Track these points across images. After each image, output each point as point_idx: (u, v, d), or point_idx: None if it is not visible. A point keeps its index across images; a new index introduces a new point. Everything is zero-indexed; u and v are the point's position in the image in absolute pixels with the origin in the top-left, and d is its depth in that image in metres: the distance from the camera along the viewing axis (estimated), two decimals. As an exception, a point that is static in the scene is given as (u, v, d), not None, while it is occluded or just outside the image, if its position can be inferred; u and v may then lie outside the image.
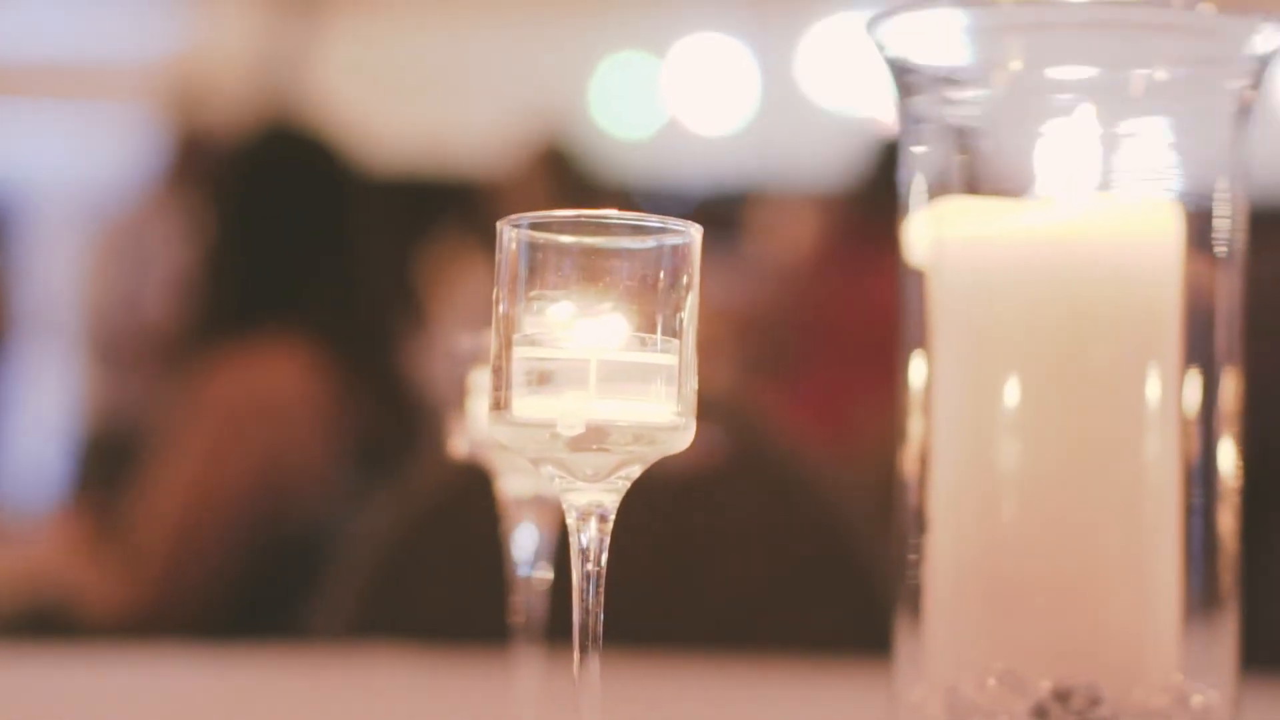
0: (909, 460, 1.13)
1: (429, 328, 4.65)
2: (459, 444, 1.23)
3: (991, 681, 1.05)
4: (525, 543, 1.22)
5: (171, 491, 2.59)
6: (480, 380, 1.21)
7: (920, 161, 1.14)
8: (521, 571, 1.22)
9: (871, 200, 4.95)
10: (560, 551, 1.21)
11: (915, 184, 1.14)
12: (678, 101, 8.40)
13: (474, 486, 1.88)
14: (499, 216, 0.92)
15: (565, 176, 5.57)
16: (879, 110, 5.37)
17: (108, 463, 4.70)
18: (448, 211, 5.83)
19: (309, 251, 2.74)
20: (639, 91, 8.39)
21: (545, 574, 1.22)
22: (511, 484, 1.22)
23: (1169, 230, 1.09)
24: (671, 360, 0.90)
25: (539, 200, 5.42)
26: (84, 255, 6.08)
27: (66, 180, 7.84)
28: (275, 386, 2.63)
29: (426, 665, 1.73)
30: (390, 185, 5.08)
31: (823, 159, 6.23)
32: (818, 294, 4.85)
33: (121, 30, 8.04)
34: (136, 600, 2.55)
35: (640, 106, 8.39)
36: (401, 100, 7.84)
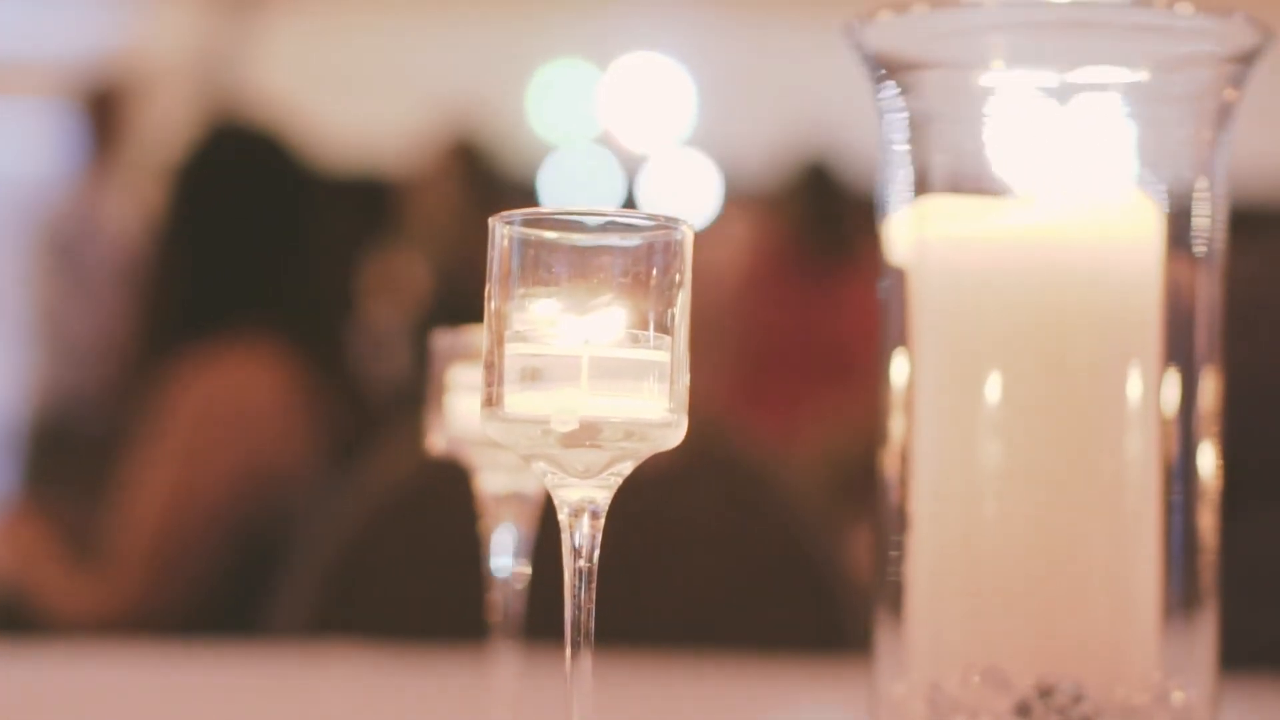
0: (890, 458, 1.13)
1: (367, 321, 4.65)
2: (436, 440, 1.23)
3: (975, 679, 1.05)
4: (503, 540, 1.22)
5: (150, 497, 2.58)
6: (458, 376, 1.21)
7: (901, 160, 1.14)
8: (499, 569, 1.22)
9: (812, 211, 4.99)
10: (538, 549, 1.21)
11: (896, 183, 1.14)
12: (613, 112, 8.43)
13: (438, 481, 1.88)
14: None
15: (475, 174, 5.56)
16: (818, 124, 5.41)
17: (56, 456, 4.68)
18: (384, 207, 5.84)
19: (264, 250, 2.73)
20: (576, 100, 8.41)
21: (523, 571, 1.22)
22: (489, 480, 1.22)
23: (1149, 230, 1.10)
24: (664, 357, 0.90)
25: (450, 198, 5.42)
26: (19, 249, 6.05)
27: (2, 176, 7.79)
28: (247, 388, 2.62)
29: (402, 663, 1.72)
30: (333, 182, 5.08)
31: (761, 170, 6.24)
32: (764, 300, 4.87)
33: (56, 26, 7.99)
34: (114, 606, 2.53)
35: (576, 114, 8.41)
36: (341, 97, 7.82)
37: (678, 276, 0.91)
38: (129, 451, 2.67)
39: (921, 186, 1.13)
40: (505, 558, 1.22)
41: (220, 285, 2.71)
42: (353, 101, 7.97)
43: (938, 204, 1.12)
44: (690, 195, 8.10)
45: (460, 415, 1.20)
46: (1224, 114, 1.11)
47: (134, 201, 5.49)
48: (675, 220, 0.91)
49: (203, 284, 2.72)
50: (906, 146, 1.14)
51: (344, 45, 8.22)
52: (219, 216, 2.74)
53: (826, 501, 2.48)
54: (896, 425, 1.13)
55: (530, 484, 1.21)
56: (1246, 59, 1.10)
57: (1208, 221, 1.12)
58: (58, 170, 6.33)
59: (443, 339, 1.23)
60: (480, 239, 0.90)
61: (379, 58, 8.21)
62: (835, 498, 3.07)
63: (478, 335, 1.21)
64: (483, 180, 5.56)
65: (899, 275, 1.13)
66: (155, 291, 2.82)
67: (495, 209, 0.93)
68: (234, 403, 2.61)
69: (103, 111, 5.90)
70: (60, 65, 7.38)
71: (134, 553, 2.56)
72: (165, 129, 5.99)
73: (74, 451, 4.37)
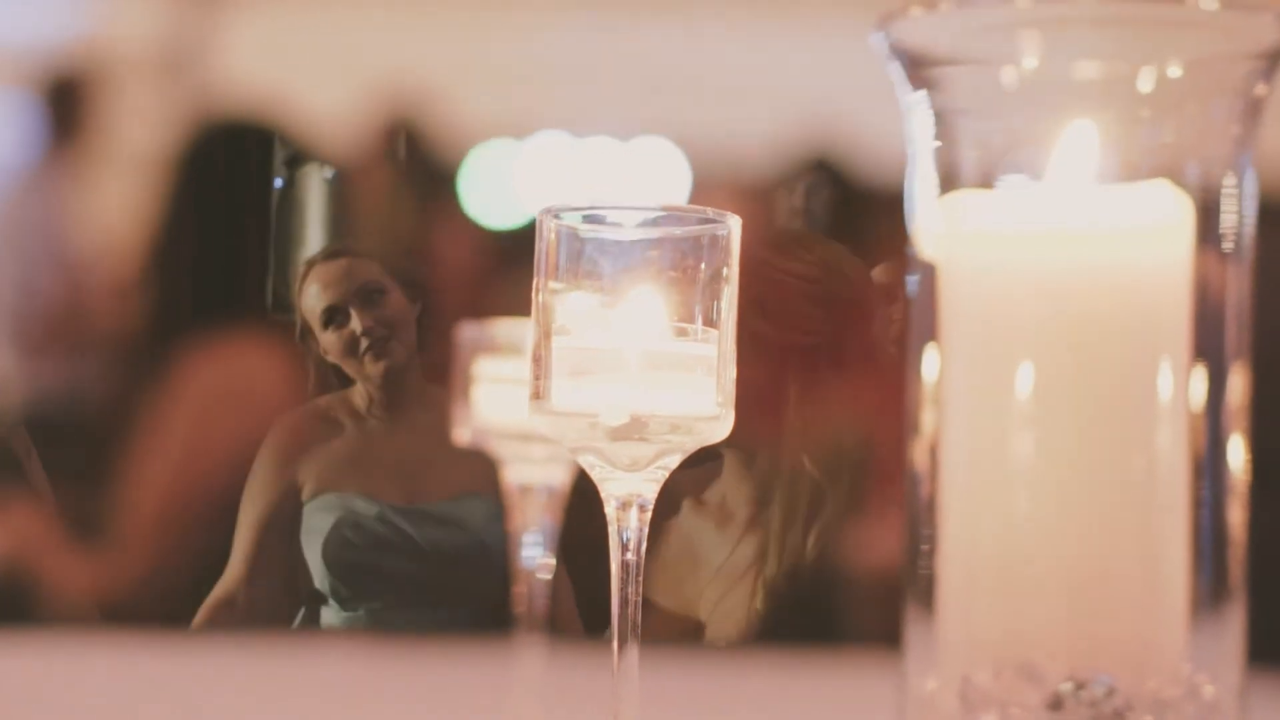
0: (920, 452, 1.13)
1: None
2: (462, 432, 1.23)
3: (1007, 673, 1.05)
4: (529, 532, 1.22)
5: (153, 476, 2.58)
6: (484, 368, 1.21)
7: (930, 156, 1.14)
8: (526, 561, 1.22)
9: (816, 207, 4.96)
10: (562, 541, 1.21)
11: (925, 178, 1.14)
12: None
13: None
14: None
15: (411, 158, 5.50)
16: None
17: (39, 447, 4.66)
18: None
19: (262, 240, 2.74)
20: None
21: (549, 563, 1.23)
22: (516, 473, 1.22)
23: (1180, 225, 1.10)
24: (711, 350, 0.90)
25: (384, 183, 5.38)
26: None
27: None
28: (252, 374, 2.63)
29: (427, 655, 1.72)
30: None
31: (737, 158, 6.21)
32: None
33: (15, 12, 7.94)
34: (114, 588, 2.54)
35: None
36: (310, 84, 7.78)
37: (725, 270, 0.91)
38: (123, 440, 2.67)
39: (951, 182, 1.13)
40: (532, 549, 1.22)
41: (222, 275, 2.73)
42: (322, 89, 7.92)
43: (967, 199, 1.13)
44: (655, 184, 8.05)
45: (487, 407, 1.21)
46: (1253, 110, 1.12)
47: (100, 194, 5.46)
48: (722, 214, 0.91)
49: (205, 274, 2.74)
50: (936, 142, 1.14)
51: (312, 31, 8.18)
52: (218, 206, 2.75)
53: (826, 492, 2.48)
54: (927, 419, 1.13)
55: (556, 476, 1.21)
56: (1276, 55, 1.11)
57: (1236, 218, 1.12)
58: (17, 162, 6.28)
59: (468, 330, 1.23)
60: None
61: (346, 44, 8.17)
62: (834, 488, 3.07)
63: (503, 328, 1.22)
64: (420, 165, 5.50)
65: (929, 270, 1.14)
66: (156, 282, 2.82)
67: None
68: (239, 388, 2.62)
69: (64, 101, 5.86)
70: (20, 52, 7.34)
71: (135, 536, 2.56)
72: (132, 119, 5.96)
73: (56, 442, 4.36)
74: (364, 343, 3.39)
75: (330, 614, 3.22)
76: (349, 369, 3.43)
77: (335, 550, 3.22)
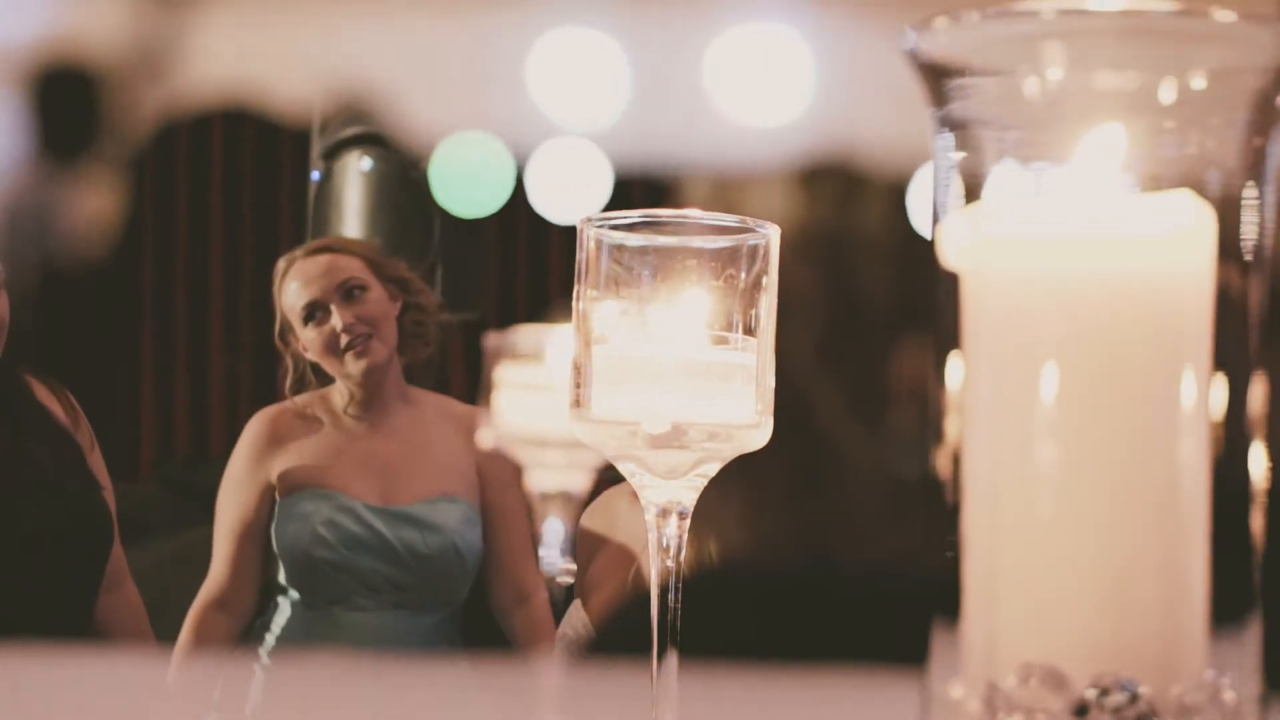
0: (944, 459, 1.14)
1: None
2: (485, 437, 1.23)
3: (1033, 678, 1.06)
4: (552, 538, 1.22)
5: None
6: (506, 374, 1.21)
7: (954, 166, 1.15)
8: (548, 567, 1.22)
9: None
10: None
11: (951, 188, 1.15)
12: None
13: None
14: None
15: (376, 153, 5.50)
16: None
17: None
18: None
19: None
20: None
21: (570, 568, 1.23)
22: (537, 479, 1.22)
23: (1201, 234, 1.11)
24: (750, 359, 0.91)
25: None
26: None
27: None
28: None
29: (440, 666, 1.72)
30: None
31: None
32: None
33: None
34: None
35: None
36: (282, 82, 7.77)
37: (764, 279, 0.92)
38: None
39: (974, 192, 1.14)
40: (554, 555, 1.22)
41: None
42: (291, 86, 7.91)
43: (991, 209, 1.14)
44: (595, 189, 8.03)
45: (508, 413, 1.21)
46: (1275, 121, 1.13)
47: (87, 193, 5.45)
48: (761, 223, 0.92)
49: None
50: (960, 153, 1.15)
51: (282, 28, 8.16)
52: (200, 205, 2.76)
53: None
54: (951, 426, 1.14)
55: (576, 482, 1.21)
56: (1297, 66, 1.12)
57: (1257, 228, 1.13)
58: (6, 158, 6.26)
59: (492, 338, 1.23)
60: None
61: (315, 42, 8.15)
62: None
63: (526, 334, 1.22)
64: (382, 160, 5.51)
65: (953, 279, 1.15)
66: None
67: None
68: None
69: (45, 99, 5.85)
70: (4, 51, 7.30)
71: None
72: (110, 117, 5.95)
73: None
74: (345, 340, 3.40)
75: (298, 608, 3.22)
76: (329, 367, 3.44)
77: (307, 547, 3.22)
